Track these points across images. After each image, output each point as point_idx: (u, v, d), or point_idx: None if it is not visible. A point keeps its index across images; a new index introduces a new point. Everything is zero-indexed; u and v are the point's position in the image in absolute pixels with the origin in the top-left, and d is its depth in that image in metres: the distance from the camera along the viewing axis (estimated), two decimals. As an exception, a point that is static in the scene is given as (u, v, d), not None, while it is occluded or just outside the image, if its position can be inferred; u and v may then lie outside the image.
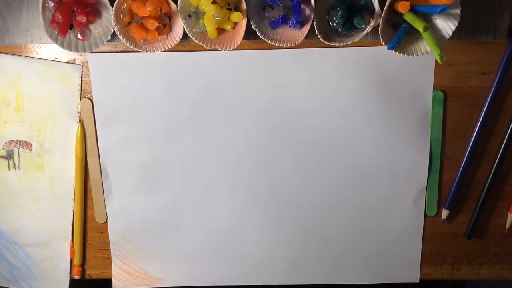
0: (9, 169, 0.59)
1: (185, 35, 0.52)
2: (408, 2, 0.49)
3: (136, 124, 0.58)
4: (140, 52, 0.53)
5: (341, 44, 0.52)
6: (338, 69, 0.56)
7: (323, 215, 0.60)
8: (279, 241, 0.61)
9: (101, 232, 0.61)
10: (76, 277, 0.62)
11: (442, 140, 0.59)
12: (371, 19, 0.50)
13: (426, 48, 0.51)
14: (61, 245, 0.61)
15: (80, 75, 0.57)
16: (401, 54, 0.51)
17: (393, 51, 0.51)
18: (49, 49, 0.57)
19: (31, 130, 0.58)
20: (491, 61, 0.57)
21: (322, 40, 0.52)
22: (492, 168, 0.59)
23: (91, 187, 0.60)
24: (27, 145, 0.59)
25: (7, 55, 0.57)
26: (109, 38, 0.52)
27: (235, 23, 0.52)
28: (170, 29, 0.53)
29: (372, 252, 0.60)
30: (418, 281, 0.62)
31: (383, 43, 0.51)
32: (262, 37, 0.52)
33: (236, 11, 0.51)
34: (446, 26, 0.51)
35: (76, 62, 0.57)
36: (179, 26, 0.53)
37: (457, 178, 0.59)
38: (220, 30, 0.52)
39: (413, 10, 0.49)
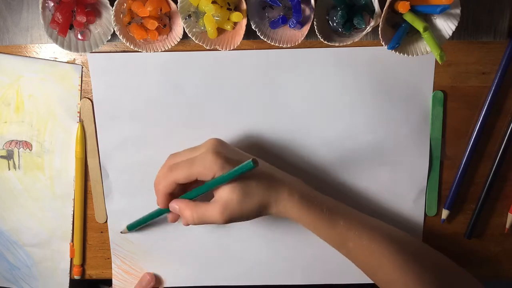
0: (9, 169, 0.59)
1: (185, 35, 0.52)
2: (408, 2, 0.49)
3: (136, 124, 0.58)
4: (140, 52, 0.53)
5: (341, 44, 0.52)
6: (338, 69, 0.56)
7: (323, 215, 0.60)
8: (279, 241, 0.61)
9: (101, 232, 0.61)
10: (76, 277, 0.62)
11: (442, 140, 0.59)
12: (371, 19, 0.50)
13: (426, 48, 0.51)
14: (61, 245, 0.61)
15: (80, 75, 0.57)
16: (401, 54, 0.51)
17: (393, 51, 0.51)
18: (49, 49, 0.57)
19: (31, 130, 0.58)
20: (491, 61, 0.57)
21: (322, 40, 0.52)
22: (492, 168, 0.59)
23: (91, 187, 0.60)
24: (27, 145, 0.59)
25: (7, 55, 0.57)
26: (109, 38, 0.52)
27: (235, 23, 0.52)
28: (170, 29, 0.53)
29: (372, 252, 0.60)
30: (418, 281, 0.62)
31: (383, 43, 0.51)
32: (262, 37, 0.52)
33: (236, 11, 0.51)
34: (446, 26, 0.51)
35: (76, 62, 0.57)
36: (179, 26, 0.53)
37: (457, 178, 0.59)
38: (220, 30, 0.52)
39: (413, 10, 0.49)
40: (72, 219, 0.60)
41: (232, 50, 0.53)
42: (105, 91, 0.57)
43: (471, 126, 0.58)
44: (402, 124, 0.58)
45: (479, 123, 0.58)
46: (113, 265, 0.62)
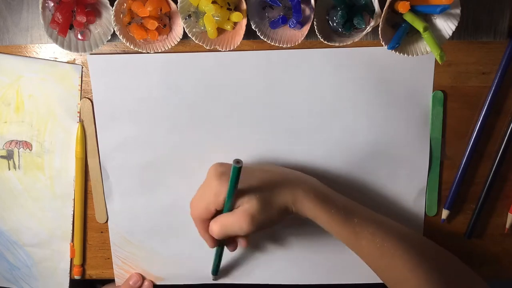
0: (9, 169, 0.59)
1: (185, 35, 0.52)
2: (408, 2, 0.49)
3: (136, 125, 0.58)
4: (140, 52, 0.53)
5: (341, 44, 0.52)
6: (338, 69, 0.56)
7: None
8: (279, 241, 0.61)
9: (101, 232, 0.61)
10: (76, 277, 0.62)
11: (442, 140, 0.59)
12: (371, 19, 0.50)
13: (426, 48, 0.51)
14: (61, 245, 0.61)
15: (80, 75, 0.57)
16: (401, 54, 0.51)
17: (393, 51, 0.51)
18: (49, 49, 0.57)
19: (31, 130, 0.58)
20: (491, 61, 0.57)
21: (322, 40, 0.52)
22: (492, 168, 0.59)
23: (91, 187, 0.60)
24: (27, 145, 0.59)
25: (7, 55, 0.57)
26: (109, 38, 0.52)
27: (235, 23, 0.52)
28: (170, 29, 0.53)
29: (372, 252, 0.60)
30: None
31: (383, 43, 0.51)
32: (262, 37, 0.52)
33: (236, 11, 0.51)
34: (446, 26, 0.51)
35: (76, 62, 0.57)
36: (179, 26, 0.53)
37: (457, 178, 0.59)
38: (220, 30, 0.52)
39: (413, 10, 0.49)
40: (72, 219, 0.60)
41: (232, 50, 0.53)
42: (105, 92, 0.57)
43: (471, 126, 0.58)
44: (402, 124, 0.58)
45: (479, 123, 0.58)
46: (114, 265, 0.62)
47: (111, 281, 0.63)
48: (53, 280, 0.62)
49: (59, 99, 0.58)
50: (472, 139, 0.58)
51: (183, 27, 0.52)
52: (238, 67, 0.56)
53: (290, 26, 0.51)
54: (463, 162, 0.59)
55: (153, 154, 0.59)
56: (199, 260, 0.61)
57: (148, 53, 0.54)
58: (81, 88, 0.58)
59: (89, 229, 0.61)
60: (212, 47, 0.53)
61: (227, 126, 0.58)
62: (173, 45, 0.53)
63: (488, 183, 0.59)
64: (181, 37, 0.52)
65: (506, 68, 0.56)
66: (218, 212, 0.52)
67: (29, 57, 0.57)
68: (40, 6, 0.50)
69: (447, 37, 0.51)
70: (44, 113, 0.58)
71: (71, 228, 0.61)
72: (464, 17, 0.55)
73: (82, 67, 0.57)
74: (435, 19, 0.51)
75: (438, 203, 0.60)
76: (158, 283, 0.62)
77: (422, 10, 0.49)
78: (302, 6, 0.51)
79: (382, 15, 0.49)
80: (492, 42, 0.56)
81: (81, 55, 0.57)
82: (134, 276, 0.61)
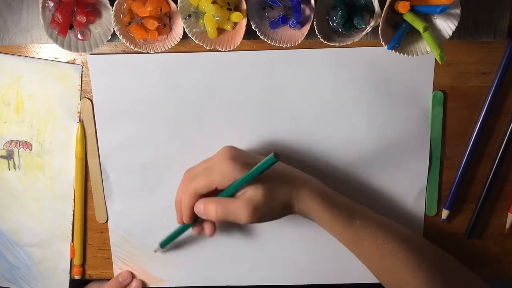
0: (9, 169, 0.59)
1: (185, 35, 0.52)
2: (408, 2, 0.49)
3: (136, 125, 0.58)
4: (140, 52, 0.53)
5: (341, 44, 0.52)
6: (338, 69, 0.56)
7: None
8: (279, 241, 0.61)
9: (101, 232, 0.61)
10: (76, 277, 0.62)
11: (442, 140, 0.59)
12: (371, 19, 0.50)
13: (426, 48, 0.51)
14: (61, 245, 0.61)
15: (80, 75, 0.57)
16: (401, 54, 0.51)
17: (393, 51, 0.51)
18: (49, 49, 0.57)
19: (31, 130, 0.58)
20: (491, 61, 0.57)
21: (322, 40, 0.52)
22: (492, 168, 0.59)
23: (91, 187, 0.60)
24: (27, 145, 0.59)
25: (7, 55, 0.57)
26: (109, 38, 0.52)
27: (235, 23, 0.52)
28: (170, 29, 0.53)
29: (372, 252, 0.60)
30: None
31: (383, 43, 0.51)
32: (262, 37, 0.52)
33: (236, 11, 0.51)
34: (446, 26, 0.51)
35: (76, 62, 0.57)
36: (179, 26, 0.53)
37: (457, 178, 0.59)
38: (220, 30, 0.52)
39: (413, 10, 0.49)
40: (72, 219, 0.60)
41: (232, 50, 0.53)
42: (105, 92, 0.57)
43: (471, 126, 0.58)
44: (402, 124, 0.58)
45: (479, 123, 0.58)
46: (114, 266, 0.62)
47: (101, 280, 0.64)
48: (53, 280, 0.62)
49: (59, 99, 0.58)
50: (472, 139, 0.58)
51: (183, 27, 0.52)
52: (238, 67, 0.56)
53: (290, 26, 0.51)
54: (463, 162, 0.59)
55: (153, 154, 0.59)
56: (199, 261, 0.61)
57: (148, 53, 0.54)
58: (81, 88, 0.58)
59: (89, 229, 0.61)
60: (212, 47, 0.53)
61: (227, 126, 0.58)
62: (173, 45, 0.53)
63: (488, 183, 0.59)
64: (181, 37, 0.52)
65: (506, 68, 0.56)
66: (214, 191, 0.51)
67: (29, 57, 0.57)
68: (40, 6, 0.50)
69: (447, 37, 0.51)
70: (44, 113, 0.58)
71: (71, 228, 0.61)
72: (464, 17, 0.55)
73: (82, 67, 0.57)
74: (435, 19, 0.51)
75: (438, 203, 0.60)
76: (157, 284, 0.62)
77: (422, 10, 0.49)
78: (302, 6, 0.51)
79: (382, 15, 0.49)
80: (492, 42, 0.56)
81: (81, 55, 0.57)
82: (124, 274, 0.61)
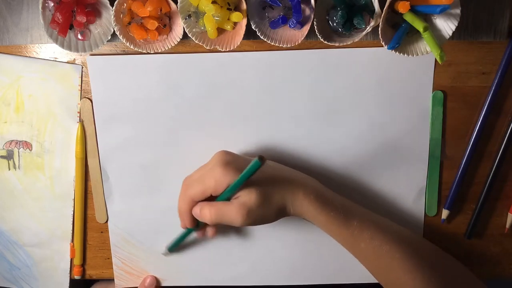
0: (9, 169, 0.59)
1: (185, 35, 0.52)
2: (408, 2, 0.49)
3: (136, 126, 0.58)
4: (140, 52, 0.53)
5: (341, 44, 0.52)
6: (338, 69, 0.56)
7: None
8: (280, 241, 0.61)
9: (101, 232, 0.61)
10: (76, 277, 0.62)
11: (442, 140, 0.59)
12: (371, 19, 0.50)
13: (426, 48, 0.51)
14: (61, 245, 0.61)
15: (80, 75, 0.57)
16: (401, 54, 0.51)
17: (393, 51, 0.51)
18: (49, 49, 0.57)
19: (31, 130, 0.58)
20: (491, 61, 0.57)
21: (322, 40, 0.52)
22: (492, 168, 0.59)
23: (91, 187, 0.60)
24: (27, 145, 0.59)
25: (7, 55, 0.57)
26: (109, 38, 0.52)
27: (235, 23, 0.52)
28: (170, 29, 0.53)
29: (372, 252, 0.60)
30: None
31: (383, 43, 0.51)
32: (262, 37, 0.52)
33: (236, 11, 0.51)
34: (446, 26, 0.51)
35: (76, 62, 0.57)
36: (179, 26, 0.53)
37: (457, 178, 0.59)
38: (220, 30, 0.52)
39: (413, 10, 0.49)
40: (72, 219, 0.60)
41: (232, 50, 0.53)
42: (104, 93, 0.57)
43: (471, 126, 0.58)
44: (402, 124, 0.58)
45: (479, 123, 0.58)
46: (114, 266, 0.62)
47: (104, 280, 0.63)
48: (53, 280, 0.62)
49: (59, 99, 0.58)
50: (472, 139, 0.58)
51: (183, 27, 0.52)
52: (238, 67, 0.56)
53: (290, 26, 0.51)
54: (463, 162, 0.59)
55: (153, 154, 0.59)
56: (199, 261, 0.61)
57: (148, 53, 0.54)
58: (81, 88, 0.58)
59: (89, 229, 0.61)
60: (212, 47, 0.53)
61: (227, 126, 0.58)
62: (173, 45, 0.53)
63: (488, 183, 0.59)
64: (181, 37, 0.52)
65: (506, 68, 0.56)
66: (210, 197, 0.51)
67: (29, 57, 0.57)
68: (40, 6, 0.50)
69: (447, 37, 0.51)
70: (44, 113, 0.58)
71: (71, 228, 0.61)
72: (464, 17, 0.55)
73: (82, 67, 0.57)
74: (435, 19, 0.51)
75: (438, 203, 0.60)
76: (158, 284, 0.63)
77: (422, 10, 0.49)
78: (302, 6, 0.51)
79: (382, 15, 0.49)
80: (492, 42, 0.56)
81: (81, 55, 0.57)
82: (147, 278, 0.62)
